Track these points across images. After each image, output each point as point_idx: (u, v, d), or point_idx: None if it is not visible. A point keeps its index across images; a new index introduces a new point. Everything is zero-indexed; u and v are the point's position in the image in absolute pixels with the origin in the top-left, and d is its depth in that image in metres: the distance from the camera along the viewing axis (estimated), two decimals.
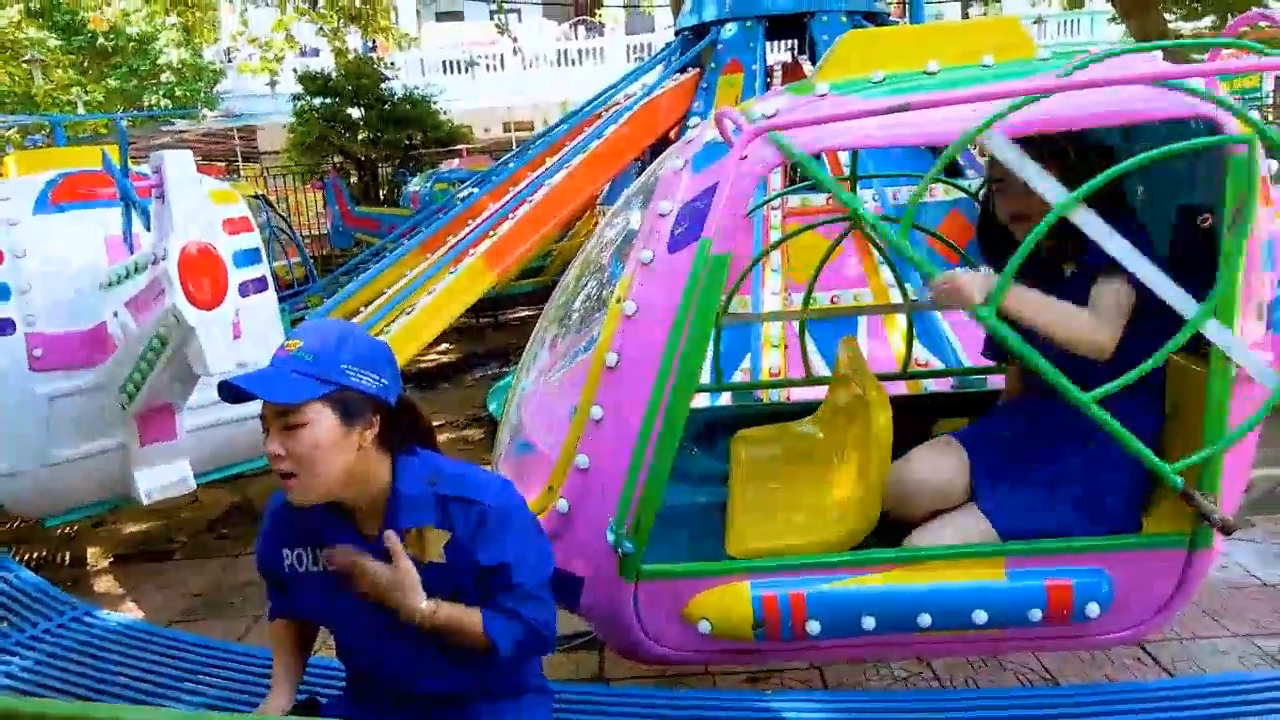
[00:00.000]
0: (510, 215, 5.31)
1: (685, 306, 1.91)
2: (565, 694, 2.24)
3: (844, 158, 5.43)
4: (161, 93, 19.74)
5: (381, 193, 15.39)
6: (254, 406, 1.60)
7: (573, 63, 25.04)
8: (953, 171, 5.91)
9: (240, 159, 20.88)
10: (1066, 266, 2.15)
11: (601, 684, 2.89)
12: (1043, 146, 1.90)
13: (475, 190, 6.94)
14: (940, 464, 2.21)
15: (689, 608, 2.09)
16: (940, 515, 2.18)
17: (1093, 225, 1.74)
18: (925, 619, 2.01)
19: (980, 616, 1.99)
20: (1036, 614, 1.99)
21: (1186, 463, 1.85)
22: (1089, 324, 1.98)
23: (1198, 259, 2.00)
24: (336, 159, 15.37)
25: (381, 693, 1.77)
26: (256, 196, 8.63)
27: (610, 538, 1.99)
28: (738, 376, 4.38)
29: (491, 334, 9.63)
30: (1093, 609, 1.99)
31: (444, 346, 8.87)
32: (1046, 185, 1.75)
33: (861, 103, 1.91)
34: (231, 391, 1.54)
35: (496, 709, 1.76)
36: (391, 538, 1.62)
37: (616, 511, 1.99)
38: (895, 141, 2.00)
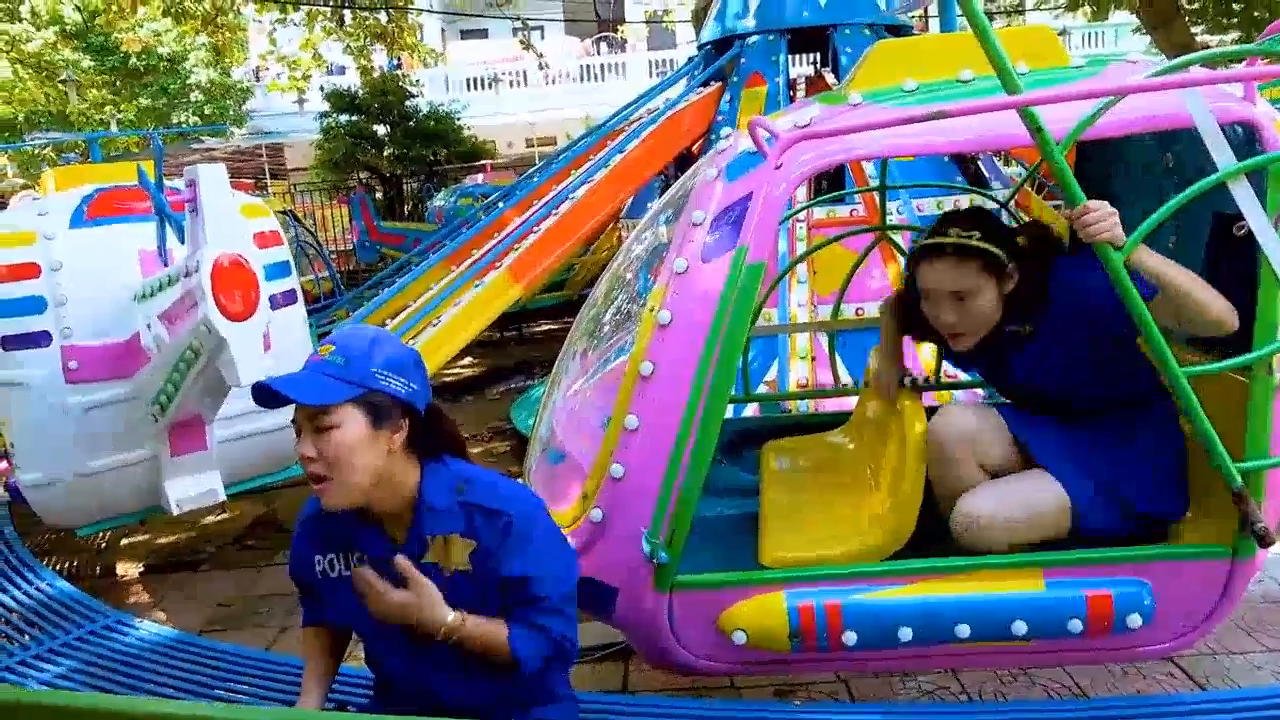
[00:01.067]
0: (535, 229, 5.33)
1: (721, 315, 1.90)
2: (591, 704, 2.23)
3: (868, 168, 5.43)
4: (191, 111, 20.06)
5: (406, 208, 15.54)
6: (279, 418, 1.62)
7: (595, 78, 25.22)
8: (976, 182, 5.90)
9: (268, 176, 21.14)
10: (1019, 330, 2.21)
11: (627, 695, 2.87)
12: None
13: (501, 204, 6.97)
14: (979, 420, 2.22)
15: (724, 618, 2.08)
16: (995, 481, 2.17)
17: (1247, 200, 1.79)
18: (964, 630, 1.99)
19: (1020, 627, 1.97)
20: (1077, 625, 1.97)
21: (1254, 465, 1.83)
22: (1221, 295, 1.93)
23: (1234, 267, 1.98)
24: (362, 175, 15.55)
25: (409, 701, 1.77)
26: (284, 212, 8.72)
27: (645, 547, 1.98)
28: (763, 389, 4.37)
29: (515, 347, 9.65)
30: (1134, 620, 1.96)
31: (468, 360, 8.90)
32: (1221, 154, 1.79)
33: (895, 111, 1.91)
34: (265, 394, 1.56)
35: (524, 719, 1.75)
36: (401, 562, 1.62)
37: (651, 521, 1.99)
38: (930, 150, 2.00)
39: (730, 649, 2.10)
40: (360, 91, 15.44)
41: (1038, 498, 2.09)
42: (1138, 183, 2.60)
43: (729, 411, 3.48)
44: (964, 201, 5.37)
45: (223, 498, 3.86)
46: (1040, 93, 1.74)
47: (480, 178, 13.58)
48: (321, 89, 15.91)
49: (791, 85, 6.07)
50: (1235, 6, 9.90)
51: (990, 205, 5.55)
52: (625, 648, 3.08)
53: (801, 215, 4.69)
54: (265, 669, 2.56)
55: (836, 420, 3.00)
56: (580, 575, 1.78)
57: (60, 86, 16.54)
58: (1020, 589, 1.99)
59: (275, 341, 3.32)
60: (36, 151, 15.40)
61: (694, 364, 1.94)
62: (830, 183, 5.89)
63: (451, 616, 1.62)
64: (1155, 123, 1.88)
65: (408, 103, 15.60)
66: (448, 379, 8.25)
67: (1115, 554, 1.99)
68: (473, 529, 1.65)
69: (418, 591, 1.61)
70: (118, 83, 19.17)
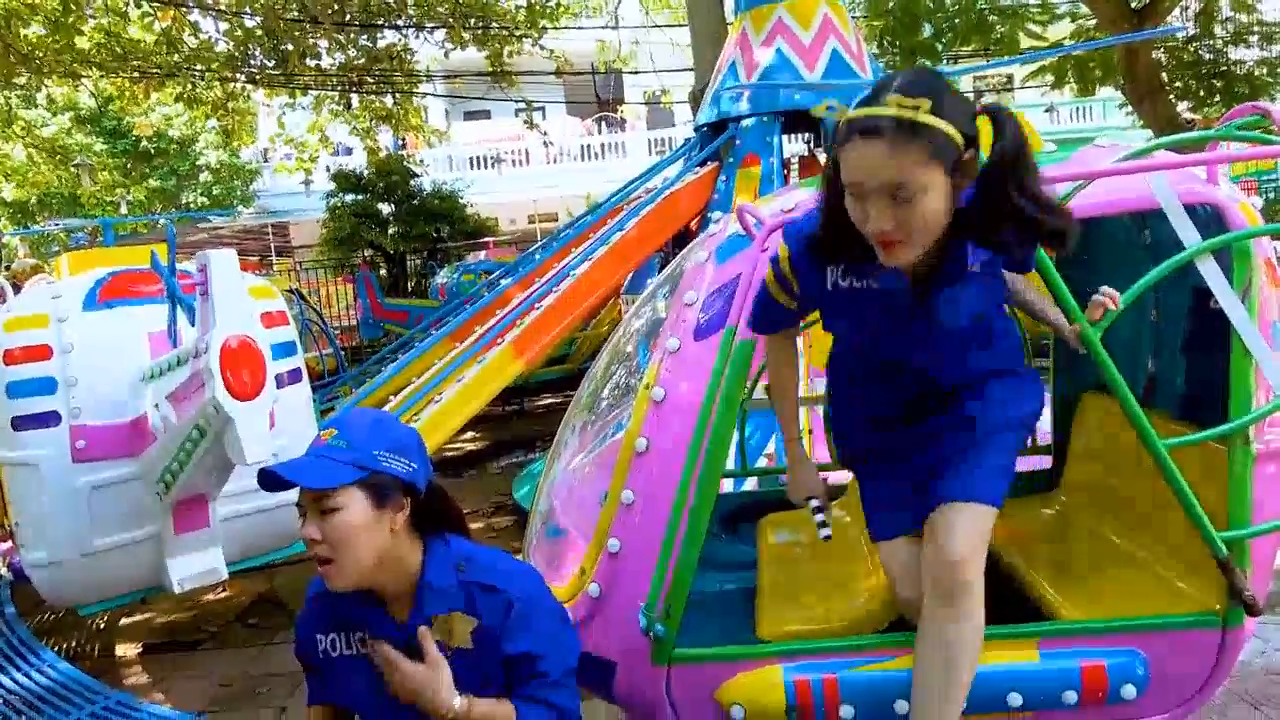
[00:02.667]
0: (537, 305, 5.43)
1: (712, 392, 1.97)
2: None
3: None
4: (200, 191, 20.48)
5: (410, 284, 15.74)
6: (280, 496, 1.67)
7: (596, 156, 25.76)
8: None
9: (274, 253, 21.46)
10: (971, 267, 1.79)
11: None
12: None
13: (504, 280, 7.11)
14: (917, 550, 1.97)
15: (722, 692, 2.09)
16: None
17: (1214, 276, 1.85)
18: None
19: (1015, 699, 1.98)
20: (1071, 696, 1.98)
21: (1237, 535, 1.87)
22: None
23: (1212, 340, 2.04)
24: (367, 252, 15.79)
25: None
26: (290, 290, 8.87)
27: (642, 621, 2.01)
28: (762, 462, 4.40)
29: (517, 422, 9.70)
30: (1129, 690, 1.97)
31: (469, 434, 8.95)
32: (1187, 233, 1.85)
33: None
34: (269, 479, 1.61)
35: None
36: (423, 634, 1.66)
37: (648, 595, 2.02)
38: None
39: None
40: (366, 171, 15.80)
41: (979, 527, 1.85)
42: (1118, 257, 2.68)
43: (729, 485, 3.52)
44: None
45: (225, 575, 3.88)
46: None
47: (483, 254, 13.84)
48: (328, 169, 16.28)
49: (786, 164, 6.23)
50: (1216, 84, 10.20)
51: None
52: None
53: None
54: None
55: (834, 494, 3.03)
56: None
57: (73, 170, 16.94)
58: (1014, 660, 2.01)
59: (280, 419, 3.39)
60: (49, 235, 15.70)
61: (688, 439, 2.00)
62: None
63: (458, 701, 1.64)
64: (1124, 205, 1.98)
65: (412, 182, 15.94)
66: (449, 454, 8.28)
67: (1109, 625, 2.01)
68: (474, 607, 1.69)
69: (433, 669, 1.64)
70: (129, 165, 19.62)
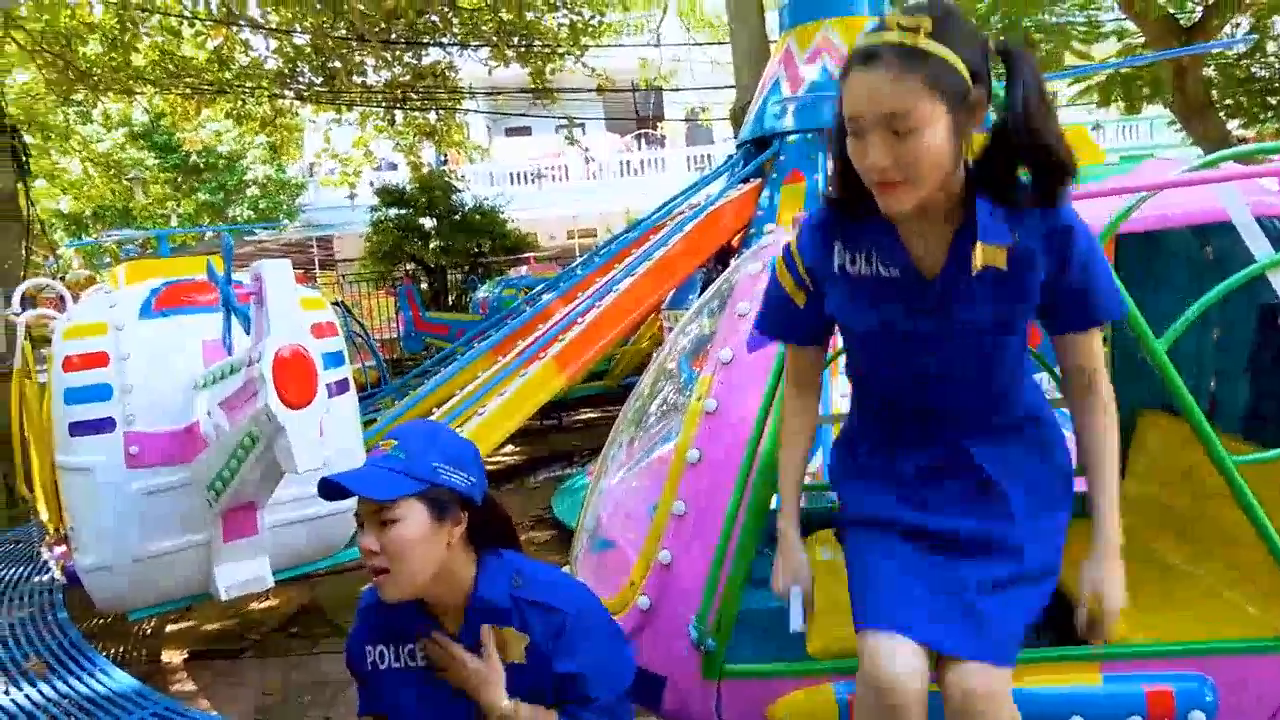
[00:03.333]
0: (580, 320, 5.45)
1: (767, 403, 1.95)
2: None
3: None
4: (246, 205, 20.88)
5: (451, 299, 15.89)
6: (326, 505, 1.68)
7: (635, 173, 25.87)
8: None
9: (318, 266, 21.78)
10: (996, 246, 1.54)
11: None
12: None
13: (546, 295, 7.14)
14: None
15: (773, 709, 2.05)
16: None
17: None
18: None
19: None
20: None
21: None
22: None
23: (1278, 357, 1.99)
24: (409, 266, 15.97)
25: None
26: (335, 303, 8.99)
27: (693, 634, 1.99)
28: (807, 480, 4.35)
29: (555, 436, 9.70)
30: (1196, 717, 1.91)
31: (508, 448, 8.96)
32: (1259, 245, 1.78)
33: None
34: (330, 489, 1.62)
35: None
36: (485, 631, 1.67)
37: (699, 608, 2.00)
38: None
39: None
40: (409, 186, 16.01)
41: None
42: (1178, 275, 2.63)
43: (773, 503, 3.48)
44: None
45: (271, 584, 3.91)
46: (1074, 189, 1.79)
47: (524, 269, 13.94)
48: (371, 184, 16.53)
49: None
50: (1270, 100, 10.00)
51: None
52: None
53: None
54: None
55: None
56: None
57: (126, 184, 17.38)
58: (1076, 682, 1.95)
59: (328, 429, 3.41)
60: (101, 246, 16.10)
61: (740, 451, 1.98)
62: None
63: (506, 702, 1.65)
64: (1190, 218, 1.93)
65: (454, 197, 16.12)
66: (489, 467, 8.11)
67: (1177, 648, 1.95)
68: (526, 624, 1.69)
69: (489, 665, 1.66)
70: (178, 179, 20.06)
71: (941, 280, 1.56)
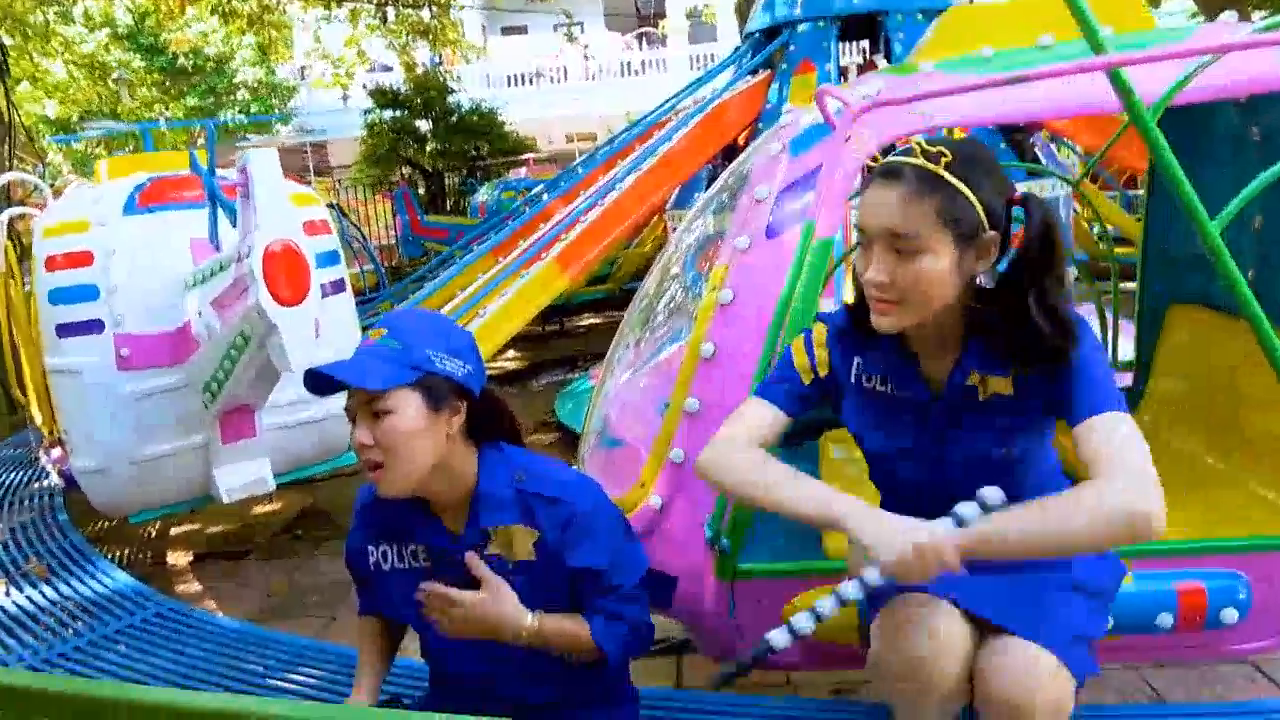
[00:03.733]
0: (582, 219, 5.28)
1: (788, 293, 1.82)
2: (650, 699, 2.15)
3: None
4: (237, 109, 20.35)
5: (449, 203, 15.61)
6: (328, 406, 1.57)
7: (636, 73, 25.16)
8: (1034, 171, 5.73)
9: (313, 173, 21.39)
10: (990, 380, 1.52)
11: (689, 690, 2.79)
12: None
13: (546, 195, 6.94)
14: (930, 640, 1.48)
15: (789, 609, 1.99)
16: None
17: None
18: None
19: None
20: (1167, 620, 1.86)
21: None
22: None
23: None
24: (405, 170, 15.64)
25: (466, 698, 1.71)
26: (329, 205, 8.77)
27: (708, 533, 1.91)
28: None
29: (558, 341, 9.61)
30: (1229, 615, 1.85)
31: (510, 353, 8.89)
32: None
33: (975, 78, 1.81)
34: (318, 381, 1.51)
35: (587, 716, 1.69)
36: (471, 560, 1.58)
37: (714, 508, 1.91)
38: (1012, 117, 1.90)
39: (795, 644, 2.01)
40: (403, 88, 15.56)
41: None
42: (1223, 157, 2.47)
43: None
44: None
45: (272, 486, 3.85)
46: (1130, 54, 1.63)
47: (523, 171, 13.62)
48: (365, 86, 16.06)
49: (843, 73, 5.95)
50: None
51: (1059, 193, 5.40)
52: (678, 644, 3.01)
53: (854, 202, 4.58)
54: (321, 659, 2.52)
55: None
56: None
57: (112, 86, 16.88)
58: None
59: (324, 330, 3.30)
60: (90, 150, 15.73)
61: (759, 344, 1.86)
62: None
63: (529, 619, 1.56)
64: (1255, 85, 1.77)
65: (449, 98, 15.68)
66: (491, 371, 8.02)
67: (1210, 545, 1.88)
68: (534, 519, 1.59)
69: (492, 592, 1.56)
70: (166, 82, 19.52)
71: (945, 404, 1.55)
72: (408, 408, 1.50)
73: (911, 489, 1.64)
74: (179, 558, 4.50)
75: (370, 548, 1.73)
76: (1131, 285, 3.08)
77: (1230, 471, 2.35)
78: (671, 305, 2.93)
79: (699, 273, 2.87)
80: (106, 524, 4.82)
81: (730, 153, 6.16)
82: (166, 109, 19.43)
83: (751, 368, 1.86)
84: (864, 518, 1.39)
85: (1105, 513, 1.28)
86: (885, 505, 1.67)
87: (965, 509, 1.37)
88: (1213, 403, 2.53)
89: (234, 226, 3.02)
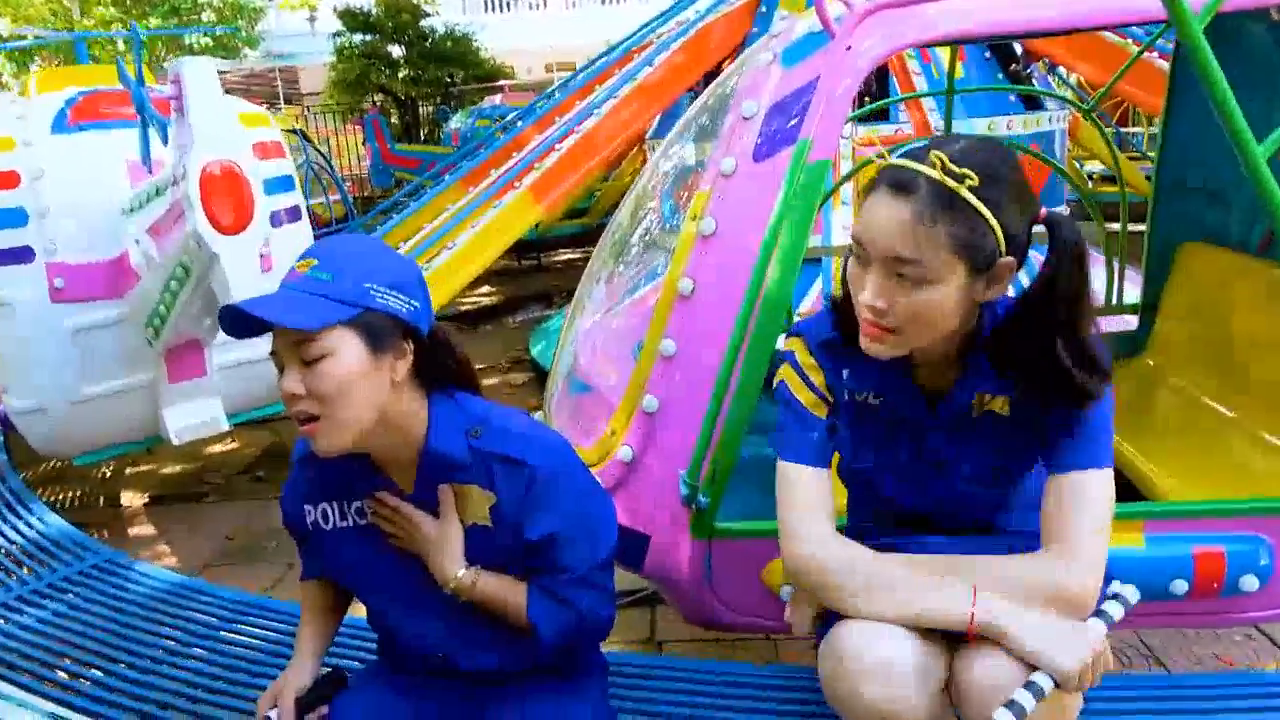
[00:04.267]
0: (557, 146, 5.01)
1: (777, 222, 1.61)
2: (623, 666, 1.99)
3: (918, 81, 5.05)
4: (202, 32, 19.52)
5: (423, 132, 15.13)
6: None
7: (617, 2, 24.38)
8: (1032, 104, 5.50)
9: (282, 100, 20.72)
10: (989, 400, 1.39)
11: (659, 654, 2.66)
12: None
13: (520, 122, 6.63)
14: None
15: (769, 571, 1.83)
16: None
17: None
18: None
19: (1113, 587, 1.71)
20: (1181, 586, 1.71)
21: None
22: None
23: None
24: (377, 97, 15.12)
25: (417, 665, 1.54)
26: (294, 131, 8.39)
27: (683, 490, 1.73)
28: (798, 319, 4.10)
29: (534, 276, 9.38)
30: (1249, 582, 1.70)
31: (485, 289, 8.65)
32: None
33: None
34: (238, 321, 1.28)
35: (544, 688, 1.51)
36: (444, 490, 1.40)
37: (690, 460, 1.73)
38: (1029, 26, 1.67)
39: (775, 606, 1.86)
40: (374, 10, 14.95)
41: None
42: (1256, 79, 2.26)
43: (779, 342, 3.22)
44: (1016, 124, 5.01)
45: (225, 427, 3.66)
46: None
47: (498, 99, 13.13)
48: (334, 8, 15.42)
49: None
50: None
51: (1055, 127, 5.17)
52: (651, 595, 2.87)
53: (846, 131, 4.35)
54: (267, 616, 2.35)
55: None
56: None
57: (65, 3, 16.09)
58: (1114, 544, 1.72)
59: (278, 263, 3.06)
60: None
61: (743, 280, 1.66)
62: (874, 99, 5.53)
63: (461, 572, 1.39)
64: None
65: (423, 23, 15.10)
66: (464, 307, 8.00)
67: (1229, 506, 1.72)
68: (491, 481, 1.40)
69: (444, 531, 1.40)
70: (127, 1, 18.65)
71: (943, 422, 1.41)
72: (345, 351, 1.28)
73: (893, 507, 1.52)
74: (133, 499, 4.31)
75: (308, 507, 1.53)
76: (1117, 226, 2.90)
77: (1242, 420, 2.20)
78: (647, 239, 2.71)
79: (676, 204, 2.65)
80: (55, 465, 4.61)
81: (713, 78, 5.88)
82: (125, 28, 18.62)
83: (734, 308, 1.66)
84: (1025, 621, 1.22)
85: (1040, 590, 1.25)
86: (857, 522, 1.60)
87: (1114, 609, 1.30)
88: (1224, 347, 2.36)
89: (165, 145, 2.76)
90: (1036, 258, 1.29)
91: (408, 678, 1.56)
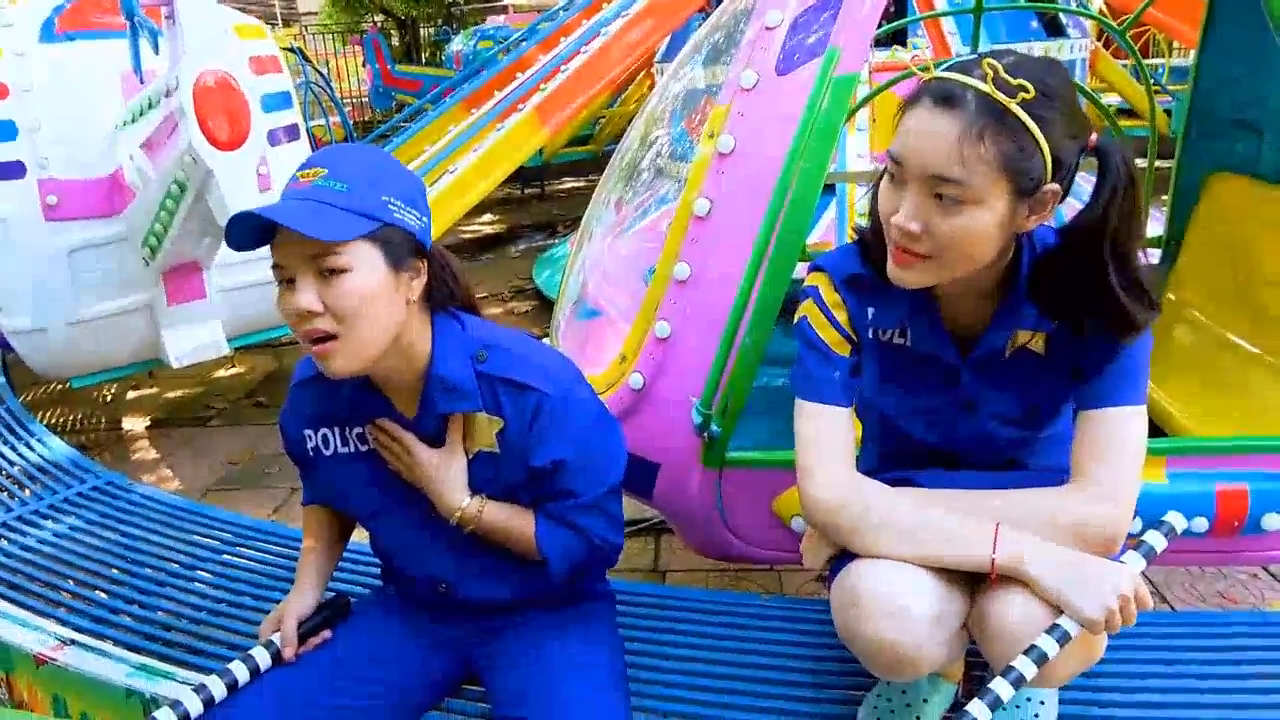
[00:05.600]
0: (563, 67, 4.85)
1: (800, 140, 1.53)
2: (627, 595, 1.97)
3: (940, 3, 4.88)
4: None
5: (424, 55, 14.77)
6: None
7: None
8: (1054, 30, 5.33)
9: (280, 21, 20.21)
10: (1026, 337, 1.32)
11: (663, 584, 2.65)
12: None
13: (524, 42, 6.43)
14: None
15: (780, 502, 1.80)
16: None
17: None
18: None
19: (1133, 525, 1.68)
20: (1202, 523, 1.67)
21: None
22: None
23: None
24: (376, 18, 14.73)
25: (422, 595, 1.52)
26: (291, 49, 8.16)
27: (696, 418, 1.68)
28: (810, 249, 4.02)
29: (537, 205, 9.24)
30: (1272, 520, 1.66)
31: (487, 217, 8.53)
32: None
33: None
34: (246, 230, 1.21)
35: (551, 618, 1.49)
36: (453, 423, 1.36)
37: (704, 388, 1.68)
38: None
39: (787, 537, 1.83)
40: None
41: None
42: None
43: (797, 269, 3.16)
44: (1037, 51, 4.85)
45: (226, 350, 3.61)
46: None
47: (502, 19, 12.76)
48: None
49: None
50: None
51: (1077, 55, 5.02)
52: (657, 523, 2.85)
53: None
54: (269, 539, 2.32)
55: None
56: None
57: None
58: None
59: (276, 183, 2.99)
60: None
61: (763, 199, 1.59)
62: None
63: (467, 502, 1.35)
64: None
65: None
66: (466, 235, 7.90)
67: (1256, 443, 1.67)
68: (498, 406, 1.34)
69: (449, 457, 1.36)
70: None
71: (975, 362, 1.34)
72: (366, 265, 1.21)
73: (920, 451, 1.47)
74: (135, 423, 4.29)
75: (308, 432, 1.48)
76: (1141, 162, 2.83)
77: (1265, 356, 2.14)
78: (658, 163, 2.62)
79: (684, 130, 2.55)
80: (55, 388, 4.58)
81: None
82: None
83: (752, 231, 1.59)
84: (1049, 564, 1.17)
85: (1068, 525, 1.21)
86: (880, 464, 1.54)
87: (1155, 539, 1.25)
88: (1250, 281, 2.30)
89: (156, 54, 2.65)
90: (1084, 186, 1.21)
91: (413, 606, 1.54)
